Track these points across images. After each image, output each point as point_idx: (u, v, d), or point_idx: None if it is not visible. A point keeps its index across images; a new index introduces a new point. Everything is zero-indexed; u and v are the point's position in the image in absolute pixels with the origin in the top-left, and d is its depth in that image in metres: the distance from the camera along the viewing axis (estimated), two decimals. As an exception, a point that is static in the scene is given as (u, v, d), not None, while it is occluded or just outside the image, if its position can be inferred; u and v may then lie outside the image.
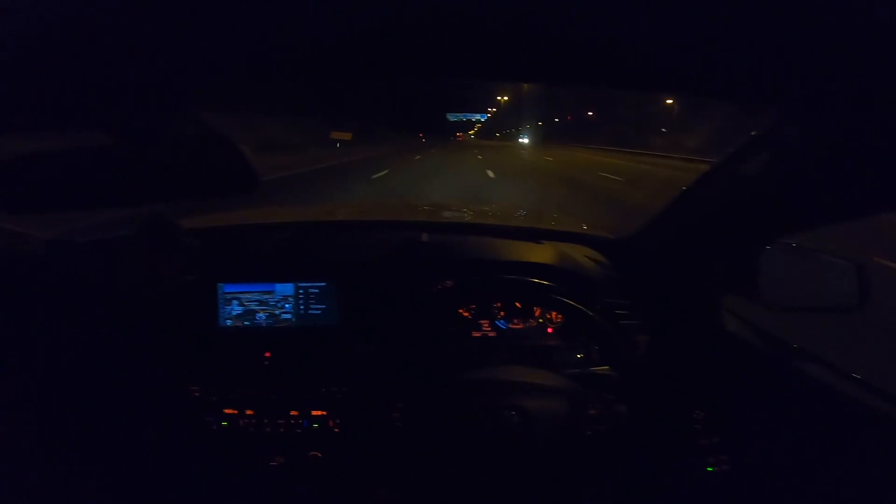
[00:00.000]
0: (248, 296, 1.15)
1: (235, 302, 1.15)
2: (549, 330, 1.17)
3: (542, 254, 1.20)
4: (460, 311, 1.18)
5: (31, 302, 1.05)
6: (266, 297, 1.16)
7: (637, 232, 1.05)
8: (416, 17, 0.33)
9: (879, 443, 0.71)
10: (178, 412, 1.16)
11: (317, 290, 1.16)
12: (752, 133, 0.68)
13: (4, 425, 1.06)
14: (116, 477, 1.14)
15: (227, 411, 1.15)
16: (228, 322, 1.16)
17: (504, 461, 1.06)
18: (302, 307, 1.17)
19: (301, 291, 1.16)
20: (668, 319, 1.02)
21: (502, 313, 1.19)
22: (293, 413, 1.15)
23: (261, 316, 1.16)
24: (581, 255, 1.20)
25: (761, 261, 0.88)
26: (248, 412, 1.15)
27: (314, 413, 1.15)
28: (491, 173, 12.46)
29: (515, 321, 1.18)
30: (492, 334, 1.19)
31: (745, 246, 0.86)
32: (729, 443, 1.01)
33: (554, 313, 1.17)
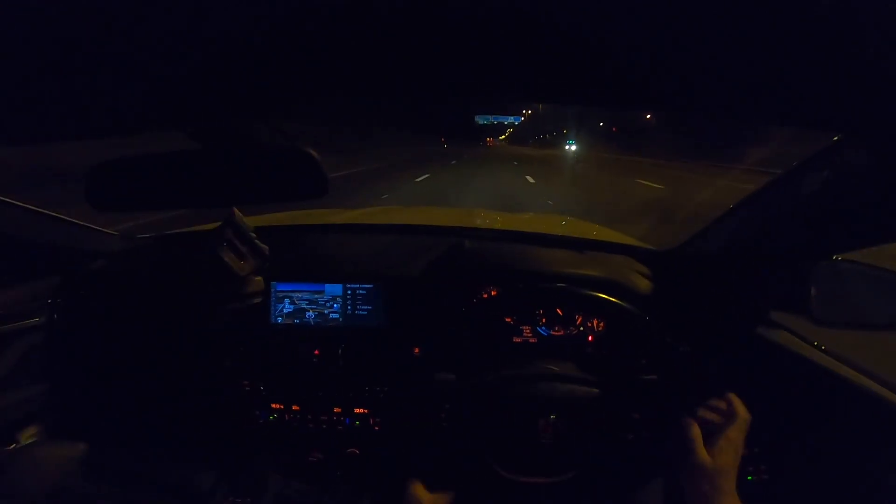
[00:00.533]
0: (299, 294, 1.19)
1: (287, 300, 1.19)
2: (590, 338, 1.19)
3: (584, 263, 1.22)
4: (501, 316, 1.20)
5: (111, 295, 1.10)
6: (316, 296, 1.20)
7: (684, 243, 1.07)
8: (430, 32, 0.33)
9: None
10: (229, 405, 1.20)
11: (364, 292, 1.20)
12: (814, 151, 0.70)
13: (79, 412, 1.11)
14: (162, 462, 1.18)
15: (274, 406, 1.19)
16: (280, 319, 1.20)
17: (544, 465, 1.08)
18: (350, 307, 1.20)
19: (349, 292, 1.20)
20: (712, 331, 1.03)
21: (544, 320, 1.21)
22: (336, 410, 1.19)
23: (310, 315, 1.20)
24: (625, 265, 1.22)
25: (813, 276, 0.89)
26: (295, 407, 1.19)
27: (356, 411, 1.19)
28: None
29: (557, 328, 1.20)
30: (532, 340, 1.21)
31: (798, 261, 0.88)
32: (769, 453, 1.01)
33: (595, 321, 1.19)
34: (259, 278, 1.03)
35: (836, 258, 0.89)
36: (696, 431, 0.80)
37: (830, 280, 0.90)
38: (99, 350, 1.19)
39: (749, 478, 1.03)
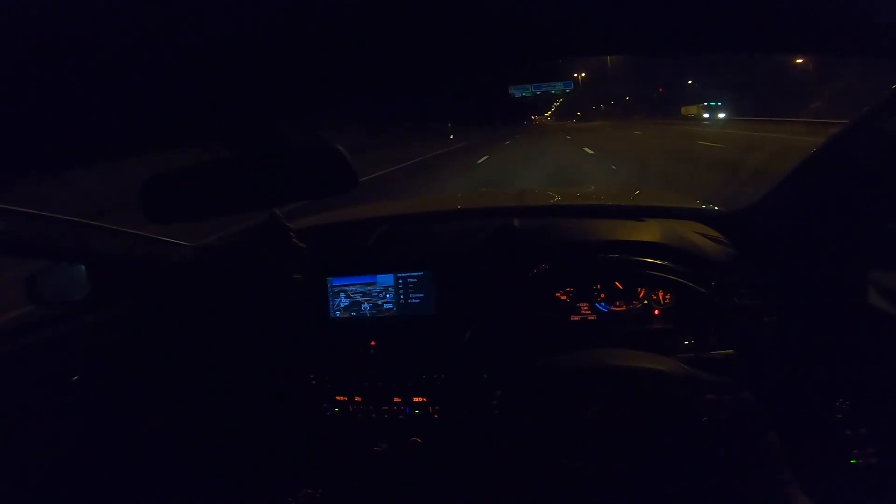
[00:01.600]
0: (353, 288, 1.23)
1: (343, 294, 1.23)
2: (657, 312, 1.11)
3: (643, 231, 1.13)
4: (557, 294, 1.16)
5: (184, 303, 1.20)
6: (369, 288, 1.22)
7: (757, 204, 0.95)
8: None
9: None
10: (298, 399, 1.26)
11: (415, 280, 1.21)
12: (893, 87, 0.58)
13: (152, 412, 1.24)
14: (239, 457, 1.27)
15: (338, 398, 1.23)
16: (338, 314, 1.24)
17: (605, 452, 1.03)
18: (402, 297, 1.22)
19: (401, 281, 1.21)
20: (800, 298, 0.91)
21: (602, 295, 1.14)
22: (396, 399, 1.19)
23: (365, 307, 1.23)
24: (691, 230, 1.11)
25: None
26: (357, 399, 1.21)
27: (415, 399, 1.19)
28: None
29: (618, 303, 1.14)
30: (592, 318, 1.15)
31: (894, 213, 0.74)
32: (877, 434, 0.89)
33: (661, 293, 1.10)
34: (299, 276, 1.07)
35: None
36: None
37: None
38: (187, 356, 1.29)
39: (853, 461, 0.91)
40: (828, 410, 0.93)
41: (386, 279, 1.22)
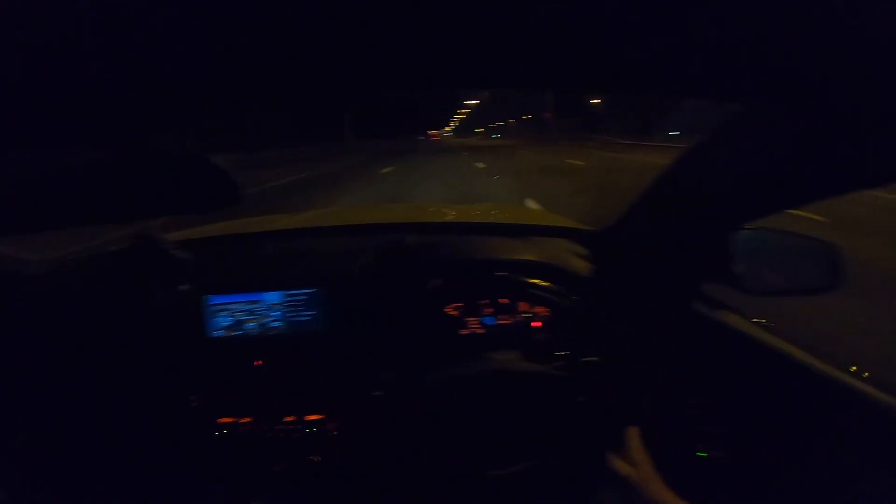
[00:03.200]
0: (235, 306, 1.16)
1: (224, 313, 1.16)
2: (537, 324, 1.18)
3: (524, 250, 1.21)
4: (447, 310, 1.19)
5: (28, 322, 1.06)
6: (254, 306, 1.17)
7: (616, 222, 1.06)
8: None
9: (862, 423, 0.72)
10: (179, 422, 1.17)
11: (304, 297, 1.17)
12: (721, 122, 0.69)
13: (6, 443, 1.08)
14: (123, 488, 1.15)
15: (223, 420, 1.17)
16: (218, 333, 1.17)
17: (496, 456, 1.08)
18: (291, 315, 1.18)
19: (289, 299, 1.17)
20: (649, 308, 1.03)
21: (489, 310, 1.20)
22: (289, 419, 1.16)
23: (250, 325, 1.17)
24: (564, 249, 1.21)
25: (736, 246, 0.89)
26: (245, 420, 1.16)
27: (310, 418, 1.17)
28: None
29: (503, 317, 1.20)
30: (480, 331, 1.20)
31: (720, 231, 0.87)
32: (721, 428, 1.02)
33: (540, 307, 1.18)
34: (185, 288, 1.00)
35: (758, 227, 0.89)
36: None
37: (754, 249, 0.90)
38: (35, 380, 1.15)
39: (703, 454, 1.03)
40: (679, 408, 1.05)
41: (273, 297, 1.17)
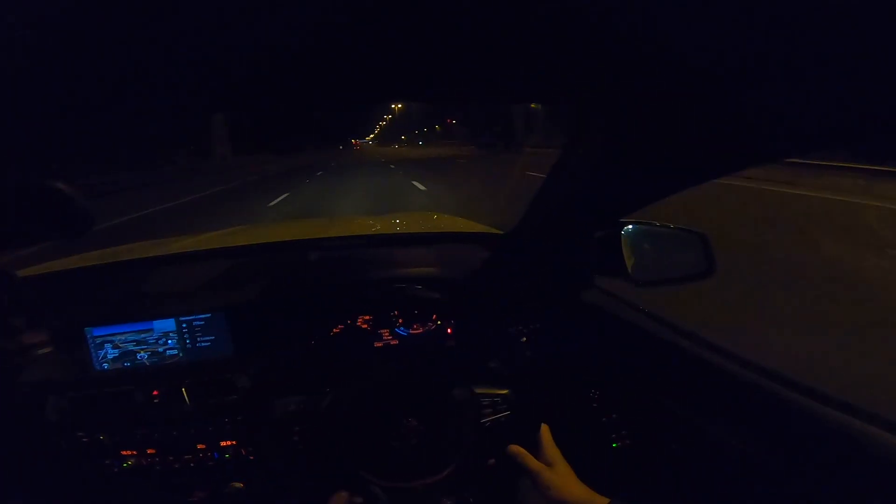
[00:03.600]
0: (121, 336, 1.07)
1: (108, 345, 1.07)
2: (449, 331, 1.18)
3: (433, 259, 1.21)
4: (358, 323, 1.16)
5: None
6: (144, 335, 1.08)
7: (515, 226, 1.08)
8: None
9: (754, 401, 0.76)
10: (70, 459, 1.06)
11: (202, 322, 1.10)
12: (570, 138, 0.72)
13: None
14: None
15: (124, 452, 1.07)
16: (105, 366, 1.07)
17: (419, 467, 1.05)
18: (188, 341, 1.10)
19: (184, 325, 1.10)
20: (549, 307, 1.05)
21: (401, 321, 1.18)
22: (200, 446, 1.09)
23: (142, 356, 1.09)
24: (473, 254, 1.22)
25: (621, 241, 0.93)
26: (150, 451, 1.08)
27: (223, 444, 1.10)
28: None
29: (415, 327, 1.18)
30: (394, 342, 1.18)
31: (601, 227, 0.91)
32: (626, 419, 1.05)
33: (449, 316, 1.18)
34: (57, 322, 0.91)
35: (634, 222, 0.93)
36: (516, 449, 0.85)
37: (637, 243, 0.94)
38: None
39: (615, 445, 1.06)
40: (584, 402, 1.07)
41: (165, 324, 1.09)
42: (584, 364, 1.07)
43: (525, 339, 1.09)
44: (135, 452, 1.08)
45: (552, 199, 0.91)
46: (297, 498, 1.13)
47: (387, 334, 1.18)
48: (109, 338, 1.07)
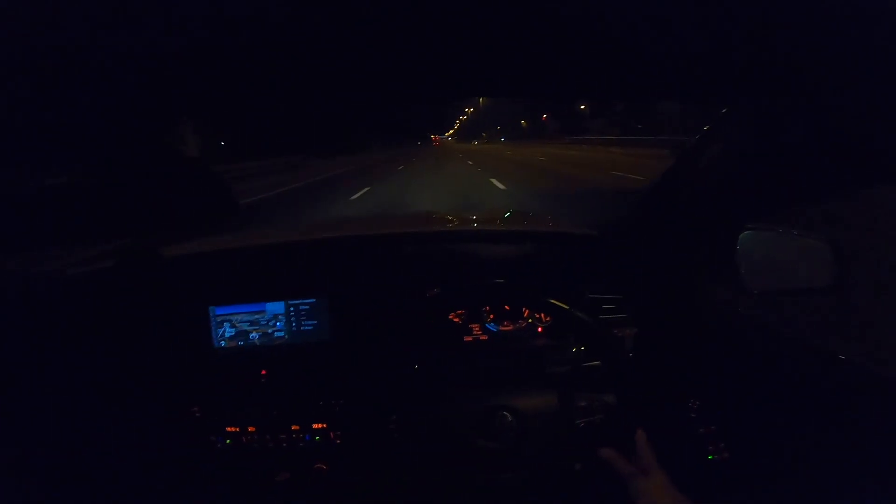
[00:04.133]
0: (239, 317, 1.17)
1: (227, 324, 1.17)
2: (539, 329, 1.18)
3: (524, 255, 1.21)
4: (450, 317, 1.19)
5: (24, 335, 1.07)
6: (257, 316, 1.17)
7: (617, 227, 1.07)
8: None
9: (865, 417, 0.72)
10: (181, 433, 1.17)
11: (307, 307, 1.18)
12: (705, 127, 0.70)
13: (9, 459, 1.08)
14: (127, 497, 1.15)
15: (229, 429, 1.17)
16: (222, 343, 1.17)
17: (501, 461, 1.07)
18: (294, 324, 1.18)
19: (292, 309, 1.18)
20: (651, 310, 1.03)
21: (492, 316, 1.20)
22: (294, 428, 1.17)
23: (254, 336, 1.18)
24: (566, 253, 1.21)
25: (737, 246, 0.89)
26: (251, 429, 1.17)
27: (315, 426, 1.17)
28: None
29: (506, 323, 1.20)
30: (483, 338, 1.20)
31: (719, 232, 0.88)
32: (726, 430, 1.01)
33: (541, 313, 1.18)
34: (188, 299, 1.01)
35: (759, 226, 0.89)
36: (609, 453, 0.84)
37: (755, 249, 0.90)
38: (44, 390, 1.16)
39: (710, 457, 1.02)
40: (682, 411, 1.04)
41: (276, 307, 1.18)
42: (686, 372, 1.03)
43: (625, 342, 1.08)
44: (237, 430, 1.17)
45: (665, 200, 0.89)
46: (376, 484, 1.18)
47: (477, 329, 1.20)
48: (229, 317, 1.17)
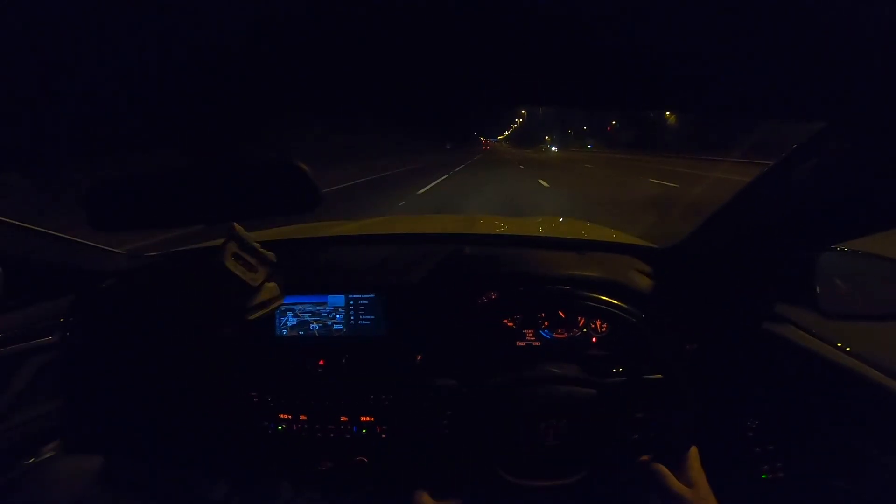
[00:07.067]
0: (302, 307, 1.22)
1: (290, 313, 1.22)
2: (594, 339, 1.18)
3: (584, 265, 1.21)
4: (505, 321, 1.20)
5: (123, 312, 1.14)
6: (319, 308, 1.22)
7: (683, 240, 1.05)
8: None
9: None
10: (237, 417, 1.22)
11: (366, 302, 1.21)
12: (798, 142, 0.69)
13: (95, 427, 1.15)
14: (176, 473, 1.21)
15: (282, 416, 1.21)
16: (284, 332, 1.22)
17: (549, 468, 1.07)
18: (353, 318, 1.22)
19: (352, 303, 1.21)
20: (715, 328, 1.01)
21: (546, 323, 1.20)
22: (343, 419, 1.20)
23: (314, 326, 1.22)
24: (626, 265, 1.20)
25: (817, 268, 0.87)
26: (302, 417, 1.21)
27: (363, 419, 1.20)
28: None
29: (560, 331, 1.19)
30: (536, 344, 1.20)
31: (799, 252, 0.86)
32: (784, 451, 0.98)
33: (598, 322, 1.18)
34: (272, 284, 1.05)
35: (838, 248, 0.87)
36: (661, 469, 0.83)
37: (834, 271, 0.87)
38: (113, 366, 1.23)
39: (764, 476, 1.00)
40: (740, 429, 1.02)
41: (337, 300, 1.22)
42: (748, 391, 1.01)
43: (682, 357, 1.06)
44: (290, 417, 1.21)
45: (744, 216, 0.87)
46: (413, 480, 1.19)
47: (530, 335, 1.20)
48: (293, 307, 1.21)
